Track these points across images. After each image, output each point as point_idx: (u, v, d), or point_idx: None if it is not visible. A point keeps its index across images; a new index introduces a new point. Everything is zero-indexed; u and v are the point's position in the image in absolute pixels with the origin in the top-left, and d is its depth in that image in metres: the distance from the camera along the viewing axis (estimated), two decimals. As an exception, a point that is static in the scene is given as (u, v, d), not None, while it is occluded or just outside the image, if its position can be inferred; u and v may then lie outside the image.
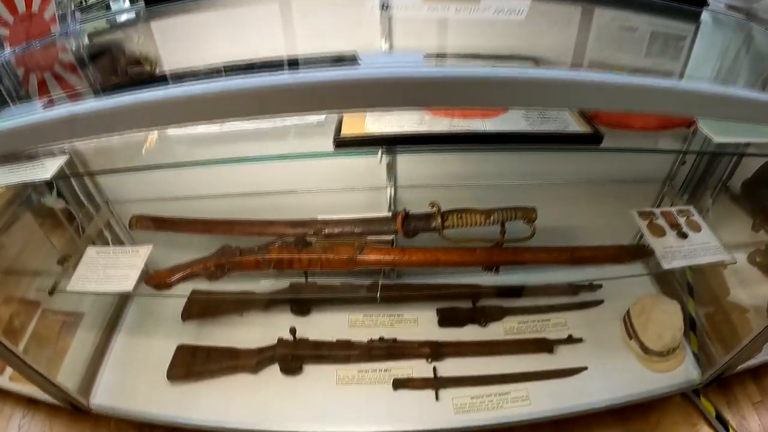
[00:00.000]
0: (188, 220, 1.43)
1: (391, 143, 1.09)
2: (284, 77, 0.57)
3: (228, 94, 0.57)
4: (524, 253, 1.27)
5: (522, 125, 1.09)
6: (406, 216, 1.27)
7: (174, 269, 1.34)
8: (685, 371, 1.50)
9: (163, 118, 0.61)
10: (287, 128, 1.13)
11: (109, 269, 1.30)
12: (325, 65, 1.13)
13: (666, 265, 1.23)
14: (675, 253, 1.26)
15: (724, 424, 1.47)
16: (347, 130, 1.06)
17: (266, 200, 1.51)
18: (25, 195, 1.49)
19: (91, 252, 1.35)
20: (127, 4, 1.44)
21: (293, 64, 1.16)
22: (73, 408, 1.46)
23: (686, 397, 1.55)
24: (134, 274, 1.27)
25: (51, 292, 1.28)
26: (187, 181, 1.48)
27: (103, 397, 1.47)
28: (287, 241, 1.27)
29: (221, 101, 0.58)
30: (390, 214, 1.30)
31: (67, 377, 1.44)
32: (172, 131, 1.19)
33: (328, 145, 1.05)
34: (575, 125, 1.12)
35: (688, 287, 1.66)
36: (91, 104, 0.59)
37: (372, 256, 1.23)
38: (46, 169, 1.09)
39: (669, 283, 1.72)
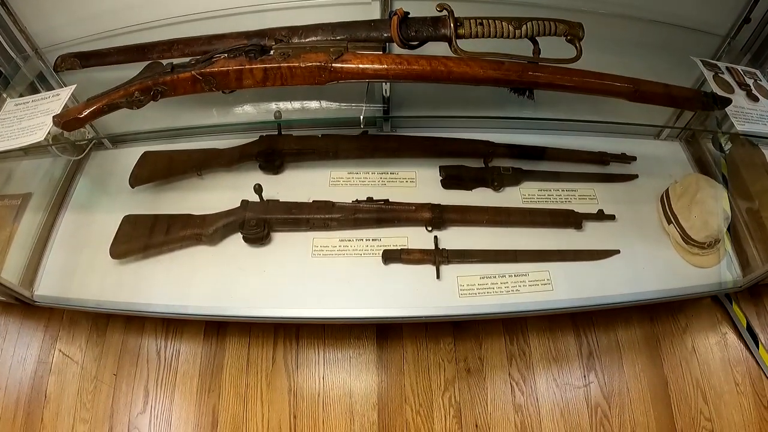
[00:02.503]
0: (118, 48, 1.22)
1: None
2: None
3: None
4: (570, 75, 0.95)
5: None
6: (405, 18, 0.93)
7: (89, 102, 1.04)
8: (719, 272, 1.35)
9: None
10: None
11: (25, 121, 1.13)
12: None
13: (740, 127, 1.08)
14: (747, 115, 1.10)
15: (755, 337, 1.38)
16: None
17: (222, 25, 1.19)
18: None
19: (9, 106, 1.18)
20: None
21: None
22: (18, 302, 1.34)
23: (717, 302, 1.47)
24: (50, 122, 1.08)
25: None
26: (125, 12, 1.25)
27: (47, 287, 1.33)
28: (236, 51, 0.91)
29: None
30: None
31: (12, 269, 1.32)
32: None
33: None
34: None
35: (723, 180, 1.49)
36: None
37: (353, 64, 0.87)
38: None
39: (705, 167, 1.55)
